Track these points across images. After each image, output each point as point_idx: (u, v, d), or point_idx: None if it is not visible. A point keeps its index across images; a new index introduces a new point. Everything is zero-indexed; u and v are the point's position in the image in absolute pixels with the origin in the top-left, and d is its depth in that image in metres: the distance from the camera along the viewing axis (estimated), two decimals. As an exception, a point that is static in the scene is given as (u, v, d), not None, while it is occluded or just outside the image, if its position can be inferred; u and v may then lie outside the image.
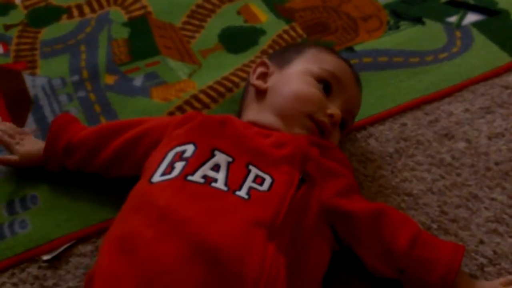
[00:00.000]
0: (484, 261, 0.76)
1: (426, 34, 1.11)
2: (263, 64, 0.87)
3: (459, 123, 0.94)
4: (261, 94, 0.82)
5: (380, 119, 0.95)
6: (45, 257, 0.78)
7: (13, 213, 0.84)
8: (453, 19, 1.14)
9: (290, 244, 0.63)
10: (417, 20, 1.14)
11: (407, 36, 1.11)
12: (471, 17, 1.14)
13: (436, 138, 0.92)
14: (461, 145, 0.91)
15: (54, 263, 0.78)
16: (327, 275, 0.71)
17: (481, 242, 0.78)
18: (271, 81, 0.83)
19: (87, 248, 0.79)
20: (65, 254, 0.79)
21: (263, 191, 0.66)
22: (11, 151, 0.88)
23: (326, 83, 0.80)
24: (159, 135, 0.77)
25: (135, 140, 0.80)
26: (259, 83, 0.83)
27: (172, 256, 0.58)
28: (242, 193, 0.65)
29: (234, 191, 0.65)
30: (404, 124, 0.94)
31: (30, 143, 0.88)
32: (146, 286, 0.57)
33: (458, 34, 1.11)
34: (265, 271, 0.58)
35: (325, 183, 0.72)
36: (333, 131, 0.79)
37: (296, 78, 0.81)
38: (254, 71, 0.86)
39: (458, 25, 1.13)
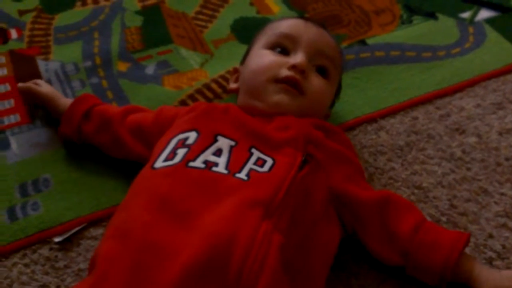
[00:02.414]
0: (493, 255, 0.76)
1: (439, 29, 1.11)
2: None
3: (470, 118, 0.94)
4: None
5: (392, 112, 0.95)
6: (57, 239, 0.79)
7: (26, 195, 0.84)
8: (466, 15, 1.14)
9: (292, 225, 0.63)
10: (430, 15, 1.14)
11: (420, 31, 1.11)
12: (484, 14, 1.14)
13: (447, 132, 0.92)
14: (472, 140, 0.91)
15: (65, 245, 0.78)
16: (335, 263, 0.71)
17: (490, 236, 0.78)
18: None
19: (98, 231, 0.80)
20: (77, 237, 0.79)
21: (263, 172, 0.67)
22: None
23: (280, 45, 0.81)
24: (167, 125, 0.78)
25: (144, 125, 0.82)
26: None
27: (166, 241, 0.59)
28: (242, 175, 0.66)
29: (234, 174, 0.66)
30: (415, 118, 0.94)
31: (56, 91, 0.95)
32: (140, 269, 0.58)
33: (471, 30, 1.11)
34: (254, 248, 0.58)
35: (332, 166, 0.72)
36: (307, 80, 0.78)
37: (252, 58, 0.83)
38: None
39: (471, 21, 1.12)
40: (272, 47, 0.82)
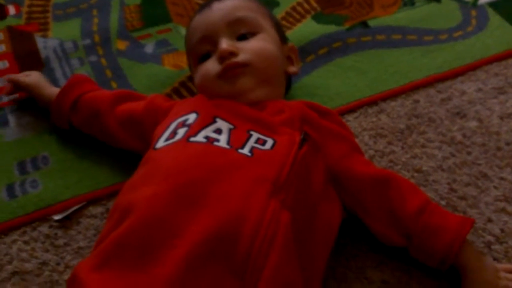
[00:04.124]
0: (492, 239, 0.76)
1: (442, 12, 1.10)
2: None
3: (471, 102, 0.94)
4: None
5: (393, 95, 0.95)
6: (56, 217, 0.78)
7: (25, 172, 0.84)
8: (469, -2, 1.13)
9: (296, 203, 0.63)
10: (433, -2, 1.13)
11: (422, 13, 1.10)
12: (487, -3, 1.13)
13: (448, 116, 0.92)
14: (473, 124, 0.90)
15: (65, 223, 0.78)
16: (334, 245, 0.71)
17: (489, 220, 0.78)
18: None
19: (97, 209, 0.80)
20: (76, 215, 0.79)
21: (266, 150, 0.67)
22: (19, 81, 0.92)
23: (202, 53, 0.80)
24: (162, 114, 0.78)
25: (135, 116, 0.81)
26: None
27: (173, 217, 0.59)
28: (245, 151, 0.66)
29: (236, 149, 0.66)
30: (417, 101, 0.94)
31: (43, 80, 0.93)
32: (148, 247, 0.57)
33: (473, 13, 1.10)
34: (263, 227, 0.58)
35: (328, 145, 0.72)
36: (238, 54, 0.76)
37: (195, 76, 0.82)
38: None
39: (474, 4, 1.12)
40: (199, 59, 0.81)
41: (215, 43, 0.78)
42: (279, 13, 1.10)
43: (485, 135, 0.89)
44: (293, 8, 1.12)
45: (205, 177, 0.62)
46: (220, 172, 0.63)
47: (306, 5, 1.13)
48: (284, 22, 1.08)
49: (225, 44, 0.76)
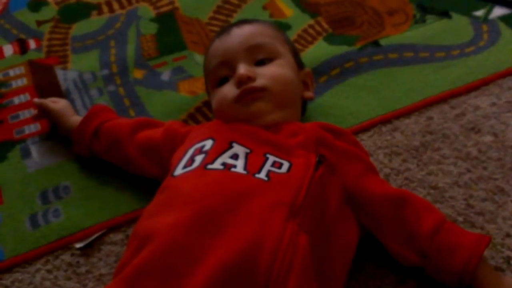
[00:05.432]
0: (511, 254, 0.76)
1: (453, 28, 1.11)
2: None
3: (485, 117, 0.94)
4: None
5: (406, 113, 0.95)
6: (78, 245, 0.80)
7: (47, 202, 0.87)
8: (480, 13, 1.13)
9: (313, 225, 0.64)
10: (444, 14, 1.14)
11: (433, 30, 1.11)
12: (498, 11, 1.13)
13: (463, 131, 0.92)
14: (488, 138, 0.90)
15: (86, 251, 0.80)
16: (352, 265, 0.71)
17: (508, 235, 0.78)
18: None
19: (118, 236, 0.82)
20: (97, 242, 0.81)
21: (282, 173, 0.68)
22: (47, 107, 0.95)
23: (220, 77, 0.82)
24: (180, 140, 0.80)
25: (154, 143, 0.84)
26: None
27: (192, 243, 0.60)
28: (262, 175, 0.67)
29: (253, 174, 0.67)
30: (430, 118, 0.94)
31: (70, 108, 0.96)
32: (169, 275, 0.58)
33: (485, 28, 1.10)
34: (281, 250, 0.59)
35: (343, 166, 0.73)
36: (255, 79, 0.78)
37: (212, 100, 0.84)
38: None
39: (485, 19, 1.12)
40: (217, 83, 0.83)
41: (233, 68, 0.80)
42: (291, 36, 1.12)
43: (500, 149, 0.89)
44: (305, 31, 1.14)
45: (223, 204, 0.63)
46: (238, 199, 0.64)
47: (317, 27, 1.14)
48: (296, 45, 1.10)
49: (243, 69, 0.78)
